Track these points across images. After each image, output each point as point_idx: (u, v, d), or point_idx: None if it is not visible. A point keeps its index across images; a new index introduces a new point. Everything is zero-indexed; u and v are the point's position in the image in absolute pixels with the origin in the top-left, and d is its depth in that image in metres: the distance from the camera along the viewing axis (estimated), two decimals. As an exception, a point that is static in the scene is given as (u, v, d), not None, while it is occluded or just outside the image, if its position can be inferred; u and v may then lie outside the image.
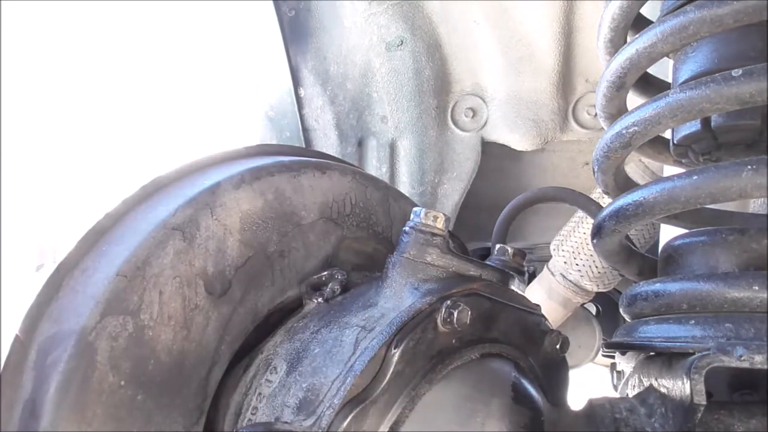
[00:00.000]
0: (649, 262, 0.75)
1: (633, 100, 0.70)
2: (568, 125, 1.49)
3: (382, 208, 0.78)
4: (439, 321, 0.54)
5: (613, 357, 0.73)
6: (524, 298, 0.66)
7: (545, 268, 1.41)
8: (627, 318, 0.68)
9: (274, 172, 0.70)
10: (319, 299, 0.66)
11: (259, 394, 0.57)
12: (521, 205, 1.06)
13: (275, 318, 0.67)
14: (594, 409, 0.59)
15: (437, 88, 1.48)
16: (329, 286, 0.67)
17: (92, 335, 0.55)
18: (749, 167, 0.50)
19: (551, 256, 1.39)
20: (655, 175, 1.22)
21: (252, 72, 1.56)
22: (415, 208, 0.62)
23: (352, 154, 1.55)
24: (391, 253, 0.61)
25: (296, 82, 1.52)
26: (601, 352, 1.82)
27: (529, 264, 1.46)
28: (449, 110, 1.52)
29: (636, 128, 0.60)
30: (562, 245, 1.35)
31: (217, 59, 1.60)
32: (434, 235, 0.60)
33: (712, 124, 0.62)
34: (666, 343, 0.57)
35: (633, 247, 0.75)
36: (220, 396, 0.62)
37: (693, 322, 0.56)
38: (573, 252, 1.33)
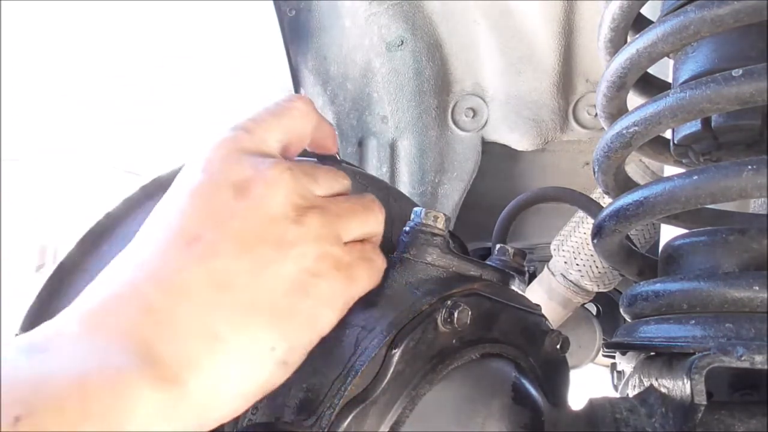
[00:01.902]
0: (649, 262, 0.75)
1: (633, 100, 0.70)
2: (569, 125, 1.49)
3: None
4: (439, 321, 0.54)
5: (613, 357, 0.73)
6: (525, 298, 0.66)
7: (545, 268, 1.41)
8: (627, 318, 0.68)
9: (275, 172, 0.70)
10: (320, 299, 0.66)
11: (260, 394, 0.57)
12: (522, 205, 1.06)
13: (275, 318, 0.67)
14: (594, 409, 0.59)
15: (437, 88, 1.48)
16: (329, 286, 0.67)
17: (92, 335, 0.55)
18: (750, 167, 0.50)
19: (551, 256, 1.39)
20: (656, 175, 1.22)
21: (252, 72, 1.56)
22: (415, 208, 0.62)
23: (352, 154, 1.55)
24: (391, 253, 0.61)
25: (296, 82, 1.52)
26: (601, 352, 1.82)
27: (529, 264, 1.47)
28: (449, 110, 1.52)
29: (636, 128, 0.60)
30: (562, 245, 1.35)
31: (217, 59, 1.60)
32: (434, 235, 0.59)
33: (713, 124, 0.62)
34: (666, 343, 0.57)
35: (633, 247, 0.75)
36: (221, 396, 0.62)
37: (693, 322, 0.56)
38: (573, 252, 1.33)
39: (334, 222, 0.52)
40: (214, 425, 0.45)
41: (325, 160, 0.65)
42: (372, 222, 0.57)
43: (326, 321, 0.51)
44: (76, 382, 0.37)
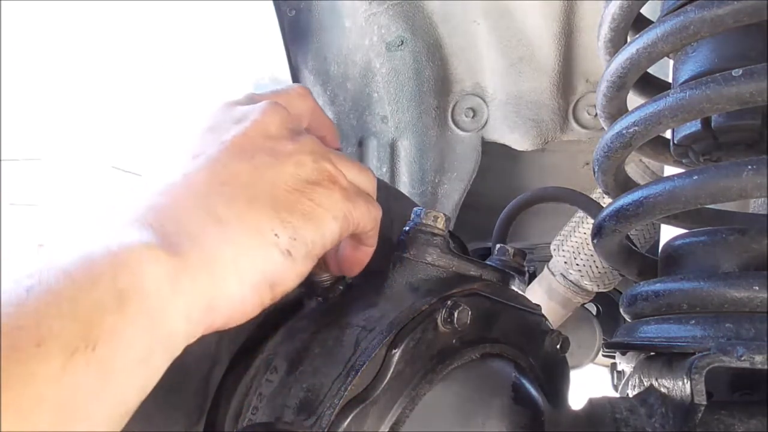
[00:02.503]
0: (649, 262, 0.75)
1: (633, 100, 0.70)
2: (569, 125, 1.49)
3: (382, 207, 0.78)
4: (439, 321, 0.54)
5: (613, 357, 0.73)
6: (525, 298, 0.66)
7: (545, 268, 1.41)
8: (627, 318, 0.68)
9: (275, 172, 0.70)
10: (320, 299, 0.66)
11: (260, 394, 0.57)
12: (522, 205, 1.07)
13: (275, 318, 0.67)
14: (594, 409, 0.59)
15: (438, 89, 1.48)
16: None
17: (92, 335, 0.55)
18: (750, 167, 0.50)
19: (551, 256, 1.39)
20: (656, 175, 1.22)
21: (252, 72, 1.56)
22: (415, 208, 0.62)
23: (352, 154, 1.55)
24: (391, 253, 0.61)
25: (296, 82, 1.52)
26: (601, 353, 1.83)
27: (529, 264, 1.47)
28: (449, 110, 1.52)
29: (636, 128, 0.60)
30: (562, 245, 1.35)
31: (217, 59, 1.60)
32: (434, 235, 0.60)
33: (713, 124, 0.62)
34: (666, 343, 0.57)
35: (633, 247, 0.75)
36: (220, 396, 0.62)
37: (693, 322, 0.56)
38: (573, 252, 1.33)
39: (327, 150, 0.55)
40: (224, 314, 0.46)
41: None
42: (363, 176, 0.59)
43: (328, 228, 0.51)
44: (84, 254, 0.40)
